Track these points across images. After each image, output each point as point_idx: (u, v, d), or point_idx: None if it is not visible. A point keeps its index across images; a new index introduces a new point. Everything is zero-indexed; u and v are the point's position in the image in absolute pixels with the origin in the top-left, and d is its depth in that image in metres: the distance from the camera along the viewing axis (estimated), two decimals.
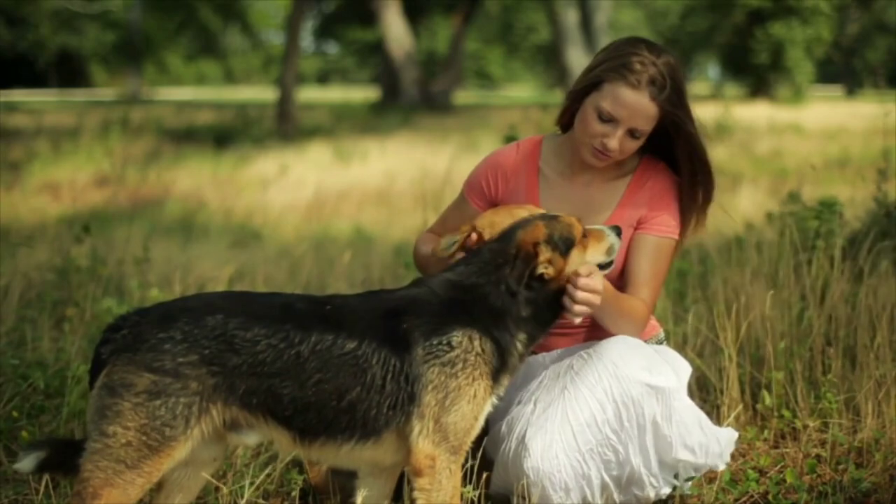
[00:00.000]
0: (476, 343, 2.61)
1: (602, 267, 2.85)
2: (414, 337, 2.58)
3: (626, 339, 2.99)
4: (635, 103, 2.97)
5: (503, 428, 3.02)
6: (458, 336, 2.60)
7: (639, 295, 3.07)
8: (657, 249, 3.11)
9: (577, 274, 2.72)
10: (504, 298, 2.66)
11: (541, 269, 2.67)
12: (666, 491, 3.02)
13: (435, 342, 2.58)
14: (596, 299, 2.72)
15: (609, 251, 2.86)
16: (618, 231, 2.90)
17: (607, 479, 2.94)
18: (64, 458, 2.58)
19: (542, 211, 2.99)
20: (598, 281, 2.73)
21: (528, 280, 2.67)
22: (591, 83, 3.05)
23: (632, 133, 3.02)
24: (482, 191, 3.26)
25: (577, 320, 2.84)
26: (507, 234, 2.76)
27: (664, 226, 3.12)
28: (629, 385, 2.88)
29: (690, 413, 3.01)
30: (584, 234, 2.80)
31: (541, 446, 2.87)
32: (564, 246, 2.72)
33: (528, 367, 3.15)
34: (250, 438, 2.64)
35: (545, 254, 2.68)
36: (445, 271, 2.79)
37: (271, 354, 2.53)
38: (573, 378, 2.95)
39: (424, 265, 3.23)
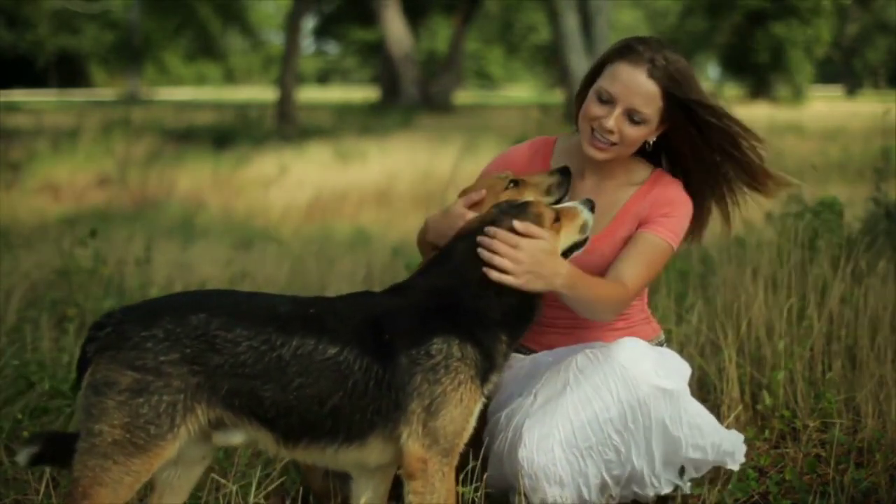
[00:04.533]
0: (455, 349, 2.59)
1: (578, 246, 2.84)
2: (396, 346, 2.57)
3: (635, 342, 2.95)
4: (631, 78, 2.93)
5: (502, 419, 3.02)
6: (437, 344, 2.58)
7: (620, 277, 2.96)
8: (653, 245, 3.03)
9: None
10: (479, 297, 2.65)
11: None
12: (666, 490, 3.02)
13: (414, 352, 2.56)
14: (509, 251, 2.60)
15: (582, 228, 2.83)
16: (590, 205, 2.85)
17: (607, 477, 2.92)
18: (57, 451, 2.58)
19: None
20: (523, 241, 2.62)
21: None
22: (595, 71, 3.05)
23: (630, 115, 2.95)
24: None
25: (494, 275, 2.62)
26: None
27: (666, 229, 3.04)
28: (637, 387, 2.85)
29: (701, 414, 2.99)
30: (557, 219, 2.77)
31: (537, 438, 2.86)
32: None
33: (532, 364, 3.14)
34: (236, 438, 2.63)
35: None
36: (421, 276, 2.77)
37: (252, 356, 2.51)
38: (576, 375, 2.93)
39: (433, 237, 3.13)
